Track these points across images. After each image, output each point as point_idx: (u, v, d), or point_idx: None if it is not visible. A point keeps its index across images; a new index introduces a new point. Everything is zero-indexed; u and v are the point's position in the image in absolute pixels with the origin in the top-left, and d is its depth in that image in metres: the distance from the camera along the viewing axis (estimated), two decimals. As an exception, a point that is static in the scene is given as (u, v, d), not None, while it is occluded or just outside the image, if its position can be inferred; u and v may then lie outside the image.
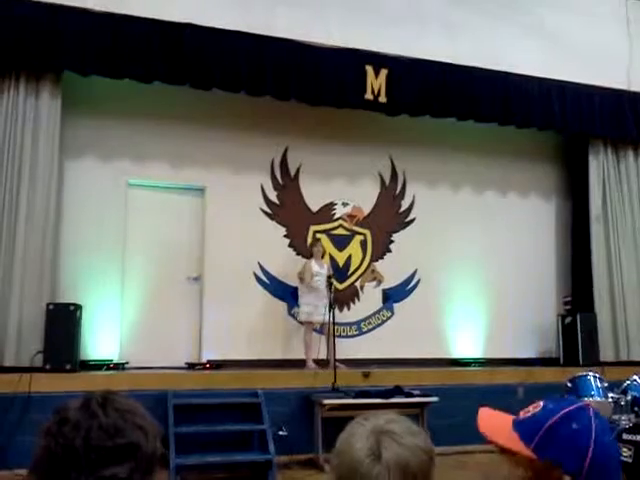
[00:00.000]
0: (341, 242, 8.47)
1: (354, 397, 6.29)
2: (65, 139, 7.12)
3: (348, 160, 8.38)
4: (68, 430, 1.08)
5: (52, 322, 6.36)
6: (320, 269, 7.65)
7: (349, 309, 8.35)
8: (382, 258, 8.61)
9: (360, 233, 8.57)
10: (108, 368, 6.85)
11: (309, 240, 8.19)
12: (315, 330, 7.67)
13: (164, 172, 7.73)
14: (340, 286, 8.24)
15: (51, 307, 6.44)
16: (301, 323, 7.70)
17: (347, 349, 7.78)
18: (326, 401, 6.27)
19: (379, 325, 8.45)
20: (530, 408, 1.19)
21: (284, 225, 8.21)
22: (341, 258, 8.43)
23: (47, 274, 6.67)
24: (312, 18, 7.51)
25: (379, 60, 7.57)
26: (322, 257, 7.80)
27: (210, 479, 5.76)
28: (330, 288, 7.44)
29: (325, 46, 7.39)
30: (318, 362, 7.38)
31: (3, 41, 6.42)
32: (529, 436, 1.13)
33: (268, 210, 8.18)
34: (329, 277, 7.58)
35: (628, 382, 5.27)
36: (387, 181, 8.75)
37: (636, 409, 4.98)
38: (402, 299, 8.57)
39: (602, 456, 1.07)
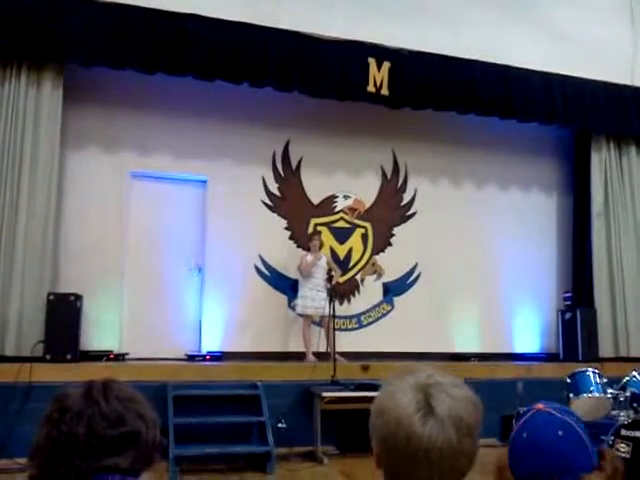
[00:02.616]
0: (342, 235, 8.47)
1: (353, 390, 6.30)
2: (67, 130, 7.11)
3: (350, 153, 8.37)
4: (70, 418, 1.08)
5: (53, 312, 6.37)
6: (316, 262, 7.64)
7: (349, 302, 8.36)
8: (383, 251, 8.60)
9: (361, 226, 8.57)
10: (108, 359, 6.85)
11: (310, 233, 8.18)
12: (315, 323, 7.68)
13: (166, 163, 7.72)
14: (340, 279, 8.24)
15: (52, 297, 6.44)
16: (300, 315, 7.71)
17: (347, 342, 7.79)
18: (325, 394, 6.28)
19: (379, 318, 8.45)
20: None
21: (285, 217, 8.21)
22: (342, 251, 8.43)
23: (48, 264, 6.68)
24: (315, 10, 7.48)
25: (382, 53, 7.54)
26: (319, 250, 7.78)
27: (209, 470, 5.77)
28: (330, 281, 7.43)
29: (328, 38, 7.37)
30: (318, 355, 7.39)
31: (5, 31, 6.40)
32: None
33: (269, 202, 8.17)
34: (329, 270, 7.57)
35: (627, 378, 5.28)
36: (389, 174, 8.74)
37: (635, 405, 4.99)
38: (402, 293, 8.57)
39: (516, 444, 1.31)
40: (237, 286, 7.86)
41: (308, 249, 7.80)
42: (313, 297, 7.50)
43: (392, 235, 8.66)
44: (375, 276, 8.55)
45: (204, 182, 7.98)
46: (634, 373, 5.27)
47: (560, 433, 1.25)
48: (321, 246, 7.85)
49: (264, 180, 8.16)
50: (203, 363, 7.17)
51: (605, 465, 1.22)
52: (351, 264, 8.47)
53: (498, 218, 8.95)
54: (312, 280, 7.58)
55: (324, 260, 7.74)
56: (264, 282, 8.01)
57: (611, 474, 1.20)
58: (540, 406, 1.30)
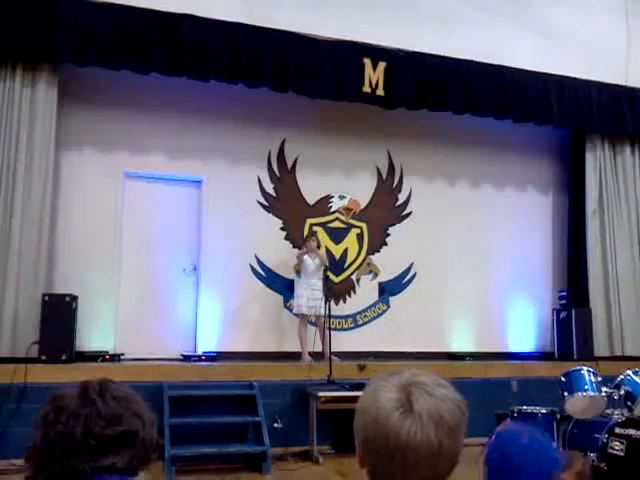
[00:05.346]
0: (337, 235, 8.47)
1: (349, 389, 6.31)
2: (62, 130, 7.10)
3: (345, 153, 8.38)
4: (66, 418, 1.08)
5: (48, 313, 6.35)
6: (312, 262, 7.64)
7: (345, 302, 8.36)
8: (378, 251, 8.62)
9: (357, 226, 8.58)
10: (104, 359, 6.84)
11: (305, 233, 8.19)
12: (311, 323, 7.68)
13: (161, 163, 7.72)
14: (336, 279, 8.25)
15: (47, 298, 6.43)
16: (296, 315, 7.72)
17: (343, 342, 7.80)
18: (321, 393, 6.28)
19: (375, 318, 8.46)
20: None
21: (281, 217, 8.21)
22: (337, 251, 8.44)
23: (43, 265, 6.66)
24: (311, 10, 7.48)
25: (377, 53, 7.55)
26: (317, 250, 7.77)
27: (205, 470, 5.77)
28: (325, 281, 7.43)
29: (324, 38, 7.37)
30: (314, 355, 7.40)
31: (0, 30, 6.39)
32: None
33: (265, 202, 8.17)
34: (325, 270, 7.57)
35: (622, 377, 5.30)
36: (384, 174, 8.75)
37: (629, 403, 5.02)
38: (398, 292, 8.58)
39: (492, 468, 1.33)
40: (233, 286, 7.86)
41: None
42: (308, 296, 7.51)
43: (387, 235, 8.67)
44: (371, 276, 8.56)
45: (199, 182, 7.98)
46: (628, 372, 5.30)
47: (525, 441, 1.29)
48: (318, 246, 7.84)
49: (259, 180, 8.17)
50: (199, 363, 7.16)
51: (573, 465, 1.36)
52: (347, 264, 8.48)
53: (493, 218, 8.97)
54: (308, 280, 7.59)
55: (318, 261, 7.71)
56: (260, 282, 8.01)
57: (579, 475, 1.34)
58: (499, 428, 1.37)
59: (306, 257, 7.68)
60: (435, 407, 1.09)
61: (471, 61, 7.95)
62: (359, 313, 8.41)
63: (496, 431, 1.34)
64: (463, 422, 1.14)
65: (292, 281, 7.94)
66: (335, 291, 8.05)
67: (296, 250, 8.02)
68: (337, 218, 8.50)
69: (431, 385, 1.12)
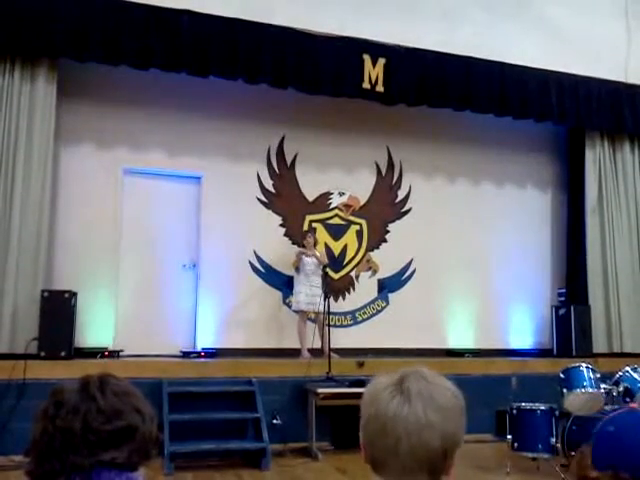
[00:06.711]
0: (337, 232, 8.47)
1: (348, 386, 6.31)
2: (61, 126, 7.09)
3: (345, 149, 8.37)
4: (66, 413, 1.08)
5: (47, 309, 6.35)
6: (310, 259, 7.64)
7: (344, 299, 8.36)
8: (378, 248, 8.61)
9: (356, 223, 8.57)
10: (103, 356, 6.85)
11: (305, 229, 8.18)
12: (310, 319, 7.68)
13: (160, 160, 7.71)
14: (335, 276, 8.25)
15: (46, 294, 6.42)
16: (295, 312, 7.72)
17: (342, 338, 7.80)
18: (320, 390, 6.29)
19: (374, 315, 8.46)
20: None
21: (280, 214, 8.20)
22: (337, 248, 8.44)
23: (42, 261, 6.65)
24: (311, 6, 7.46)
25: (377, 49, 7.53)
26: (314, 247, 7.76)
27: (204, 466, 5.78)
28: (324, 278, 7.43)
29: (323, 35, 7.35)
30: (313, 351, 7.40)
31: (-2, 26, 6.36)
32: None
33: (264, 199, 8.17)
34: (324, 267, 7.56)
35: (620, 373, 5.32)
36: (383, 171, 8.74)
37: (627, 400, 5.02)
38: (397, 289, 8.58)
39: (600, 436, 1.15)
40: (232, 283, 7.86)
41: (303, 246, 7.80)
42: (307, 293, 7.50)
43: (387, 232, 8.67)
44: (370, 272, 8.56)
45: (198, 178, 7.97)
46: (627, 368, 5.31)
47: None
48: (316, 243, 7.84)
49: (259, 176, 8.16)
50: (198, 360, 7.16)
51: None
52: (346, 261, 8.48)
53: (493, 214, 8.97)
54: (307, 276, 7.58)
55: (315, 258, 7.69)
56: (259, 278, 8.01)
57: None
58: (634, 405, 1.26)
59: (306, 257, 7.66)
60: (427, 389, 1.14)
61: (471, 57, 7.93)
62: (358, 310, 8.41)
63: (628, 406, 1.26)
64: (457, 408, 1.16)
65: (291, 278, 7.93)
66: (334, 288, 8.06)
67: (295, 247, 8.01)
68: (336, 215, 8.50)
69: (430, 375, 1.17)
